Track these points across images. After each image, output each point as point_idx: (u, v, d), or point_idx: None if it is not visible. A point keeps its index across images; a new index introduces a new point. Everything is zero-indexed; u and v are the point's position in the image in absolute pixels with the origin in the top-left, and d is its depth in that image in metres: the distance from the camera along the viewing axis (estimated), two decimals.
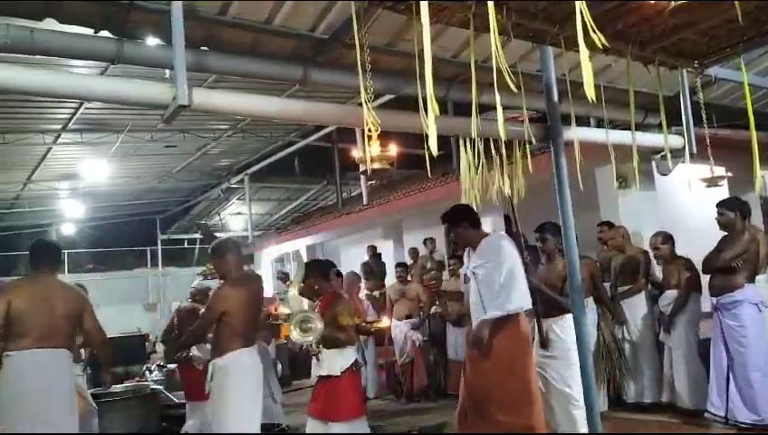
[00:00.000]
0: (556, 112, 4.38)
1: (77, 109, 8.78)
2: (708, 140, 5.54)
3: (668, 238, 5.76)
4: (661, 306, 5.76)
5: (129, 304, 17.26)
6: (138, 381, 7.80)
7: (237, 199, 16.89)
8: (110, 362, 4.67)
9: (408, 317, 7.90)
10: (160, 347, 9.94)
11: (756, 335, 4.96)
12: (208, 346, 4.37)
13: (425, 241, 9.97)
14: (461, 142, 4.64)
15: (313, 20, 4.03)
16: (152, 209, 18.26)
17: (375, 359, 8.17)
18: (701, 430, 5.07)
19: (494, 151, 4.65)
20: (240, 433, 4.06)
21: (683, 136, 5.86)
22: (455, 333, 7.50)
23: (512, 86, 2.54)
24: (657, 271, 6.12)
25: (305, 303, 4.89)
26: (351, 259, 12.05)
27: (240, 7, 3.77)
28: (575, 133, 4.34)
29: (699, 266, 5.31)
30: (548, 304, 4.84)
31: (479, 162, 4.53)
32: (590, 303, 5.82)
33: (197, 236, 19.67)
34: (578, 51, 2.37)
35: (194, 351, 5.87)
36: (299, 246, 13.72)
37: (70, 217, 16.35)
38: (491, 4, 2.44)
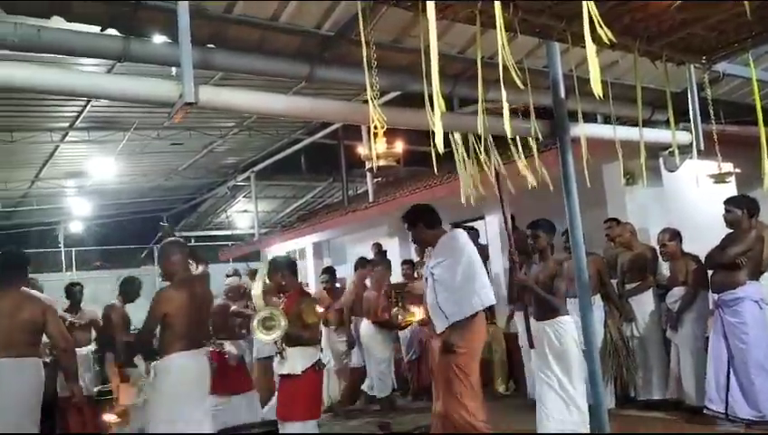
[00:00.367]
0: (563, 109, 4.37)
1: (84, 107, 8.81)
2: (716, 137, 5.51)
3: (676, 235, 5.74)
4: (668, 303, 5.75)
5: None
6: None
7: (244, 197, 16.92)
8: (72, 371, 4.68)
9: None
10: None
11: (757, 332, 4.95)
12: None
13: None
14: (451, 138, 4.61)
15: (319, 17, 4.02)
16: (159, 207, 18.31)
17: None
18: (707, 427, 5.06)
19: (483, 148, 4.64)
20: (172, 434, 4.05)
21: (691, 132, 5.83)
22: None
23: (518, 82, 2.53)
24: (664, 268, 6.10)
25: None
26: (357, 256, 12.05)
27: (246, 6, 3.77)
28: (582, 130, 4.33)
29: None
30: (541, 305, 4.70)
31: (473, 159, 4.53)
32: (596, 300, 5.82)
33: (204, 233, 19.75)
34: (584, 47, 2.36)
35: (227, 346, 5.94)
36: (305, 243, 13.73)
37: (77, 214, 16.41)
38: (497, 2, 2.43)
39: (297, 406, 4.64)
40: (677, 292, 5.64)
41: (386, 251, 9.89)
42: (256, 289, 4.83)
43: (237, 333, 6.50)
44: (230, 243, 17.96)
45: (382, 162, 3.46)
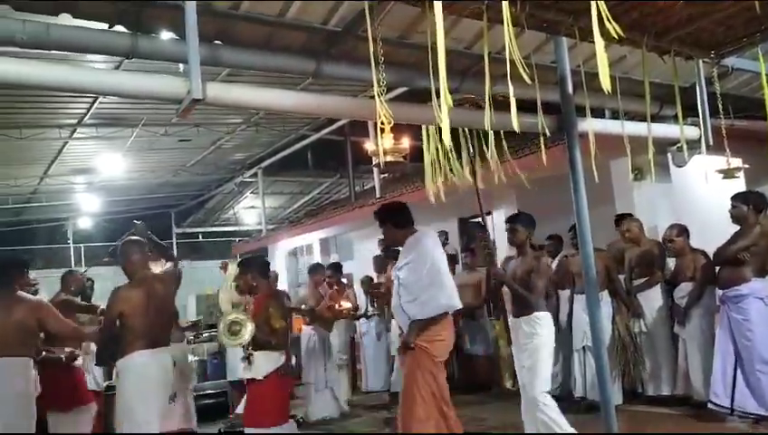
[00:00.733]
0: (570, 104, 4.35)
1: (92, 103, 8.85)
2: (725, 132, 5.48)
3: (683, 231, 5.72)
4: (676, 299, 5.73)
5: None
6: None
7: (251, 193, 16.94)
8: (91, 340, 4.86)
9: None
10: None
11: (762, 329, 4.93)
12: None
13: (437, 234, 9.95)
14: (423, 132, 4.58)
15: (326, 13, 4.02)
16: (167, 203, 18.36)
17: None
18: (714, 422, 5.05)
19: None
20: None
21: (699, 127, 5.79)
22: (468, 325, 7.50)
23: (525, 78, 2.52)
24: (669, 263, 6.08)
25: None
26: (364, 252, 12.06)
27: (253, 2, 3.77)
28: (590, 125, 4.32)
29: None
30: (518, 301, 4.61)
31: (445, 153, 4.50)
32: (604, 296, 5.80)
33: (211, 229, 19.81)
34: (592, 41, 2.36)
35: None
36: (312, 239, 13.74)
37: (86, 211, 16.48)
38: None
39: (261, 412, 4.54)
40: (685, 287, 5.63)
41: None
42: (223, 291, 4.78)
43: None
44: (237, 239, 18.00)
45: (389, 158, 3.47)
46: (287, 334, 4.82)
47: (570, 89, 4.34)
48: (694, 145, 5.79)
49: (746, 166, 5.85)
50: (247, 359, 4.61)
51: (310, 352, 7.02)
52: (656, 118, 5.81)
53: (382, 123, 3.18)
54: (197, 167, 13.96)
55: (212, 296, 9.55)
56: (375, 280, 8.78)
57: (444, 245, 9.89)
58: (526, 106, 3.71)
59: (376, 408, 7.46)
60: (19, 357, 4.38)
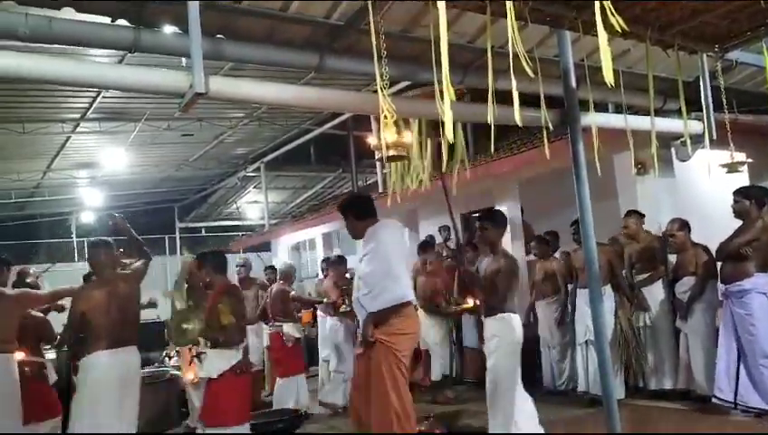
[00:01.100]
0: (574, 98, 4.34)
1: (95, 98, 8.85)
2: (729, 126, 5.47)
3: (684, 225, 5.72)
4: (678, 293, 5.73)
5: (148, 290, 17.40)
6: (157, 367, 7.90)
7: (254, 188, 16.96)
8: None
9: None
10: None
11: (765, 324, 4.94)
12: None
13: (440, 229, 9.95)
14: (382, 122, 4.55)
15: (328, 7, 4.01)
16: (170, 198, 18.39)
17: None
18: (717, 416, 5.05)
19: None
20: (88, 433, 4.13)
21: (703, 122, 5.77)
22: (471, 320, 7.51)
23: (528, 72, 2.51)
24: (671, 258, 6.07)
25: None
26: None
27: None
28: (593, 119, 4.30)
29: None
30: (486, 300, 4.59)
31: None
32: (607, 290, 5.81)
33: (214, 224, 19.84)
34: (596, 35, 2.35)
35: (285, 328, 6.04)
36: (315, 234, 13.75)
37: (89, 205, 16.51)
38: None
39: (218, 411, 4.45)
40: (687, 282, 5.62)
41: None
42: (176, 287, 4.72)
43: (296, 316, 6.70)
44: (240, 233, 18.04)
45: (392, 152, 3.45)
46: (242, 332, 4.68)
47: (573, 83, 4.32)
48: (697, 139, 5.78)
49: (750, 160, 5.83)
50: (197, 357, 4.54)
51: (340, 343, 7.05)
52: (659, 112, 5.79)
53: (385, 117, 3.17)
54: (200, 161, 13.97)
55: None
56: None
57: (446, 240, 9.94)
58: (529, 100, 3.70)
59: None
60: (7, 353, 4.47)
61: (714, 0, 3.17)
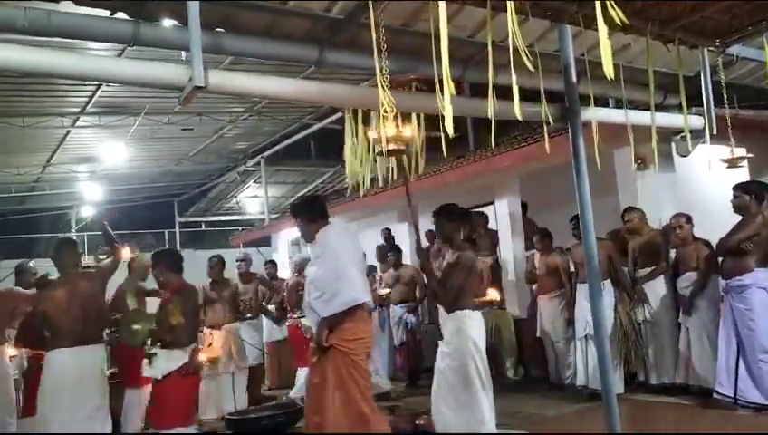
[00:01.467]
0: (574, 92, 4.33)
1: (94, 92, 8.83)
2: (729, 121, 5.46)
3: (689, 220, 5.72)
4: (680, 288, 5.73)
5: (149, 285, 17.42)
6: None
7: (254, 182, 16.94)
8: None
9: (402, 302, 8.00)
10: None
11: (765, 319, 4.95)
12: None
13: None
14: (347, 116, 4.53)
15: (328, 1, 4.00)
16: (170, 192, 18.37)
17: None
18: (717, 411, 5.06)
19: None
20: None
21: (703, 117, 5.77)
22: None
23: (529, 66, 2.51)
24: (671, 253, 6.07)
25: None
26: (366, 242, 12.07)
27: None
28: (593, 114, 4.30)
29: None
30: (444, 298, 4.43)
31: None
32: (606, 285, 5.81)
33: (214, 218, 19.82)
34: (596, 29, 2.34)
35: (303, 320, 6.06)
36: None
37: (89, 199, 16.51)
38: None
39: (162, 412, 4.38)
40: (689, 276, 5.63)
41: (394, 237, 9.91)
42: (126, 285, 4.70)
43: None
44: (240, 228, 18.02)
45: (391, 146, 3.45)
46: (192, 333, 4.60)
47: (573, 77, 4.31)
48: (698, 134, 5.77)
49: (750, 155, 5.83)
50: (148, 357, 4.47)
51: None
52: (660, 107, 5.79)
53: (385, 112, 3.17)
54: (200, 156, 13.95)
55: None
56: (378, 270, 8.81)
57: None
58: (529, 95, 3.70)
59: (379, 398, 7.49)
60: None
61: None
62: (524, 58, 2.48)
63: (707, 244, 5.57)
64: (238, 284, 7.57)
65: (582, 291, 5.87)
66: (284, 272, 11.42)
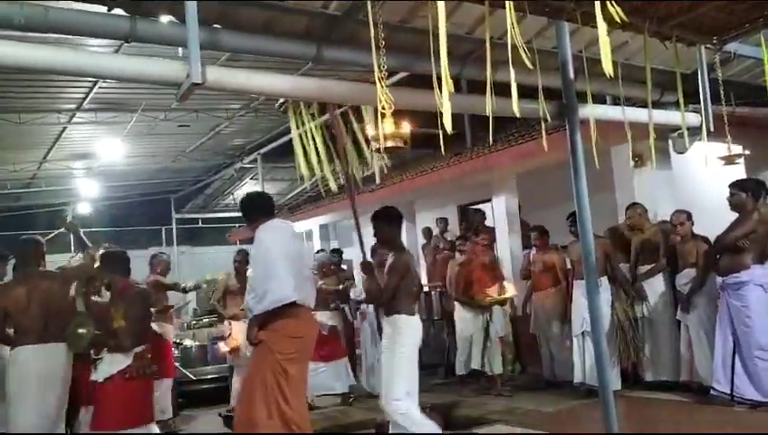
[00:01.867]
0: (572, 89, 4.33)
1: (91, 88, 8.81)
2: (726, 119, 5.47)
3: (690, 217, 5.73)
4: (678, 285, 5.74)
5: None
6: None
7: (251, 179, 16.93)
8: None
9: None
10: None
11: (761, 316, 4.96)
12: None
13: (437, 221, 9.97)
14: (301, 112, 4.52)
15: None
16: (166, 189, 18.36)
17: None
18: (713, 408, 5.07)
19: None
20: None
21: (700, 114, 5.78)
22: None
23: (527, 63, 2.51)
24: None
25: None
26: (364, 239, 12.08)
27: None
28: (591, 111, 4.30)
29: None
30: (383, 300, 4.42)
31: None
32: (603, 282, 5.82)
33: (211, 215, 19.81)
34: (594, 26, 2.34)
35: (319, 317, 6.10)
36: (311, 225, 13.74)
37: (85, 196, 16.48)
38: None
39: (101, 415, 4.31)
40: (688, 273, 5.64)
41: None
42: (75, 288, 4.58)
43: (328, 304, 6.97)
44: (237, 225, 18.00)
45: (389, 143, 3.45)
46: (136, 336, 4.45)
47: (571, 74, 4.31)
48: (695, 132, 5.78)
49: (747, 153, 5.84)
50: (94, 363, 4.43)
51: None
52: (657, 104, 5.78)
53: (383, 108, 3.17)
54: (197, 152, 13.94)
55: (211, 282, 9.61)
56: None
57: (443, 232, 9.96)
58: (527, 92, 3.70)
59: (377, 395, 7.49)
60: None
61: None
62: (523, 55, 2.48)
63: (706, 241, 5.58)
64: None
65: (579, 288, 5.88)
66: None
